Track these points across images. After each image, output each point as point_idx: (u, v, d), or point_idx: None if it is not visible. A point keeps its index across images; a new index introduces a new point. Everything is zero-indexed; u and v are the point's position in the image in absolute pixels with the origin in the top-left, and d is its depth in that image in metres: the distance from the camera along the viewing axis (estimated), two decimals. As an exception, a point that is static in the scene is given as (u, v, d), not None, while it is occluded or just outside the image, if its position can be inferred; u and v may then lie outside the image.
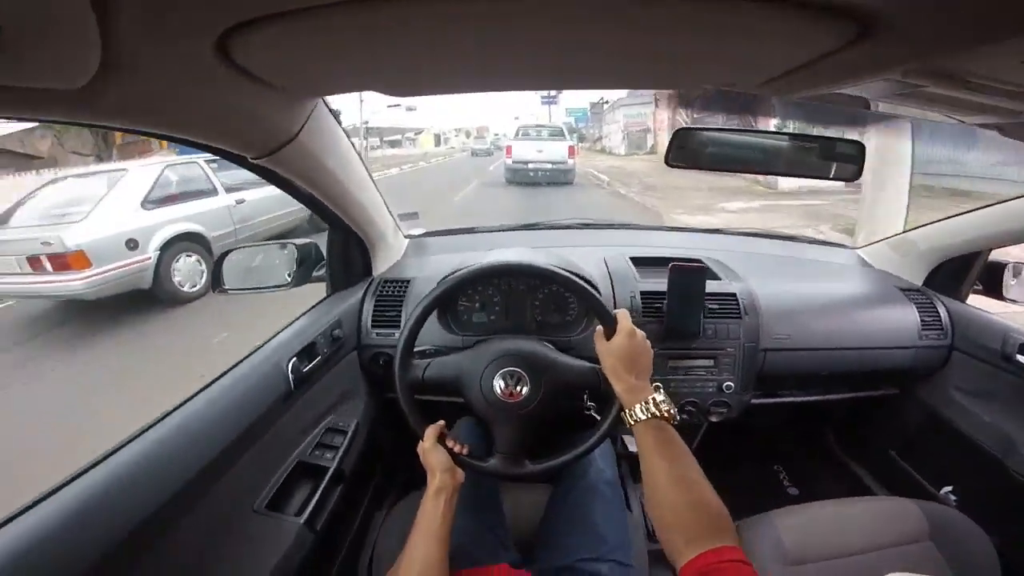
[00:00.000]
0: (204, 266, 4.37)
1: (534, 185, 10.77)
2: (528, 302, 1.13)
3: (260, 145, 0.68)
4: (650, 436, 0.69)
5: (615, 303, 1.14)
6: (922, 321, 1.21)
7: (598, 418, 0.86)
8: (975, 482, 1.17)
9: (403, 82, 0.60)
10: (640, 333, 0.78)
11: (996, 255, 1.24)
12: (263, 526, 0.80)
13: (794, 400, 1.29)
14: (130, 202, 4.01)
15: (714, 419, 1.13)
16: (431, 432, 0.81)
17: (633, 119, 23.74)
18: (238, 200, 4.88)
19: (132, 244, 3.89)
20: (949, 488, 1.22)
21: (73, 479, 0.59)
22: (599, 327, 0.81)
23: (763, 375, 1.16)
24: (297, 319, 1.06)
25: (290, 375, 0.89)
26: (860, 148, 0.89)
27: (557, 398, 0.85)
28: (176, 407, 0.74)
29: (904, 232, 1.39)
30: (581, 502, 0.91)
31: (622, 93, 22.32)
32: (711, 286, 1.13)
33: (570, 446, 0.85)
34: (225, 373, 0.84)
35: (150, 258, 3.99)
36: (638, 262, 1.25)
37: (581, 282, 0.85)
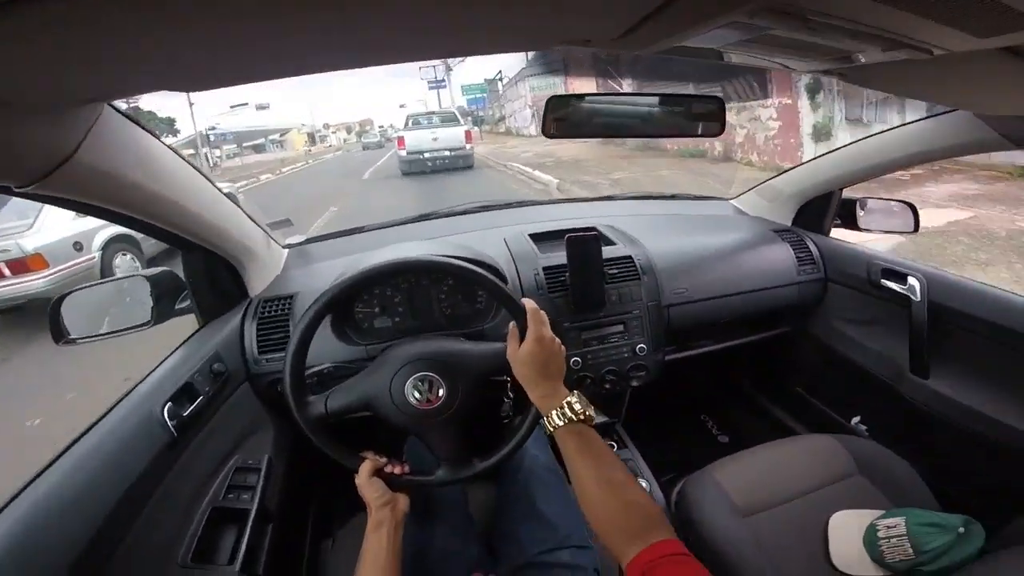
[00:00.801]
0: (138, 263, 5.00)
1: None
2: (434, 296, 1.07)
3: (19, 172, 0.54)
4: (571, 441, 0.69)
5: (520, 282, 1.11)
6: (797, 258, 1.32)
7: (507, 403, 0.84)
8: (879, 410, 1.29)
9: (197, 74, 0.51)
10: (549, 335, 0.76)
11: (847, 192, 1.37)
12: None
13: (705, 351, 1.36)
14: (64, 212, 4.14)
15: (635, 383, 1.15)
16: (365, 468, 0.78)
17: (543, 91, 19.77)
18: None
19: (78, 246, 4.41)
20: (858, 419, 1.34)
21: None
22: (512, 326, 0.78)
23: (671, 331, 1.21)
24: (164, 360, 0.92)
25: (168, 422, 0.78)
26: (720, 103, 0.92)
27: (476, 391, 0.81)
28: (33, 478, 0.63)
29: (768, 180, 1.50)
30: (524, 493, 0.90)
31: (521, 62, 20.80)
32: (607, 252, 1.15)
33: (505, 435, 0.82)
34: (87, 432, 0.72)
35: (95, 257, 4.55)
36: (537, 238, 1.24)
37: (482, 271, 0.80)
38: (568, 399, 0.71)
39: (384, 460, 0.80)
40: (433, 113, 12.76)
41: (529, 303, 0.78)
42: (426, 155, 10.61)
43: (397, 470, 0.79)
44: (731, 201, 1.63)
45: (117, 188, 0.68)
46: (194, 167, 0.87)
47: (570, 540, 0.83)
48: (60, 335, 0.93)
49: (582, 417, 0.70)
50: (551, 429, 0.71)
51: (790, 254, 1.33)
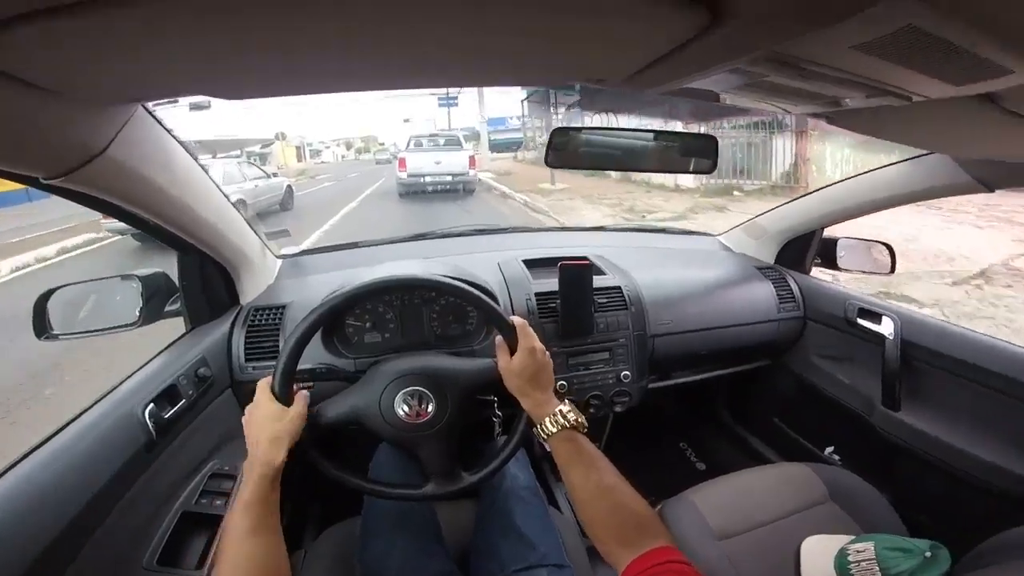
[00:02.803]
0: (241, 211, 6.50)
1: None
2: (426, 315, 1.08)
3: (51, 163, 0.55)
4: (564, 448, 0.71)
5: (512, 307, 1.13)
6: (778, 295, 1.37)
7: (496, 421, 0.85)
8: (851, 441, 1.32)
9: (231, 83, 0.53)
10: (539, 347, 0.78)
11: (828, 232, 1.43)
12: None
13: (686, 380, 1.39)
14: (219, 177, 5.86)
15: (618, 409, 1.17)
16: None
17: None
18: (254, 184, 8.79)
19: None
20: (831, 449, 1.38)
21: None
22: (499, 339, 0.79)
23: (655, 360, 1.23)
24: (150, 361, 0.91)
25: (149, 423, 0.77)
26: (713, 142, 0.97)
27: (465, 405, 0.81)
28: (6, 468, 0.62)
29: (754, 218, 1.56)
30: (504, 510, 0.89)
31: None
32: (598, 281, 1.18)
33: (493, 451, 0.83)
34: (65, 427, 0.71)
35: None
36: (530, 264, 1.27)
37: (473, 290, 0.82)
38: (560, 407, 0.73)
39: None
40: (438, 135, 12.58)
41: (518, 319, 0.79)
42: (427, 178, 10.33)
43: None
44: (718, 237, 1.68)
45: (137, 188, 0.70)
46: (206, 172, 0.88)
47: (548, 559, 0.83)
48: (43, 330, 0.91)
49: (575, 424, 0.72)
50: (544, 436, 0.72)
51: (771, 292, 1.38)
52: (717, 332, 1.30)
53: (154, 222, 0.80)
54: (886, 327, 1.16)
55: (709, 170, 1.00)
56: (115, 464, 0.71)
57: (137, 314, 0.95)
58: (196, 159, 0.83)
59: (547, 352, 0.79)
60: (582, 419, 0.73)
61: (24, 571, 0.55)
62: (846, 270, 1.41)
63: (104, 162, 0.59)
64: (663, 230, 1.83)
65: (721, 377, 1.45)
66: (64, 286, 0.94)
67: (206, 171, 0.88)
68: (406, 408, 0.77)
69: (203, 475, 0.88)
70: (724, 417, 1.82)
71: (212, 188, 0.91)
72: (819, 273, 1.48)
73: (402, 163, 10.72)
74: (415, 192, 10.55)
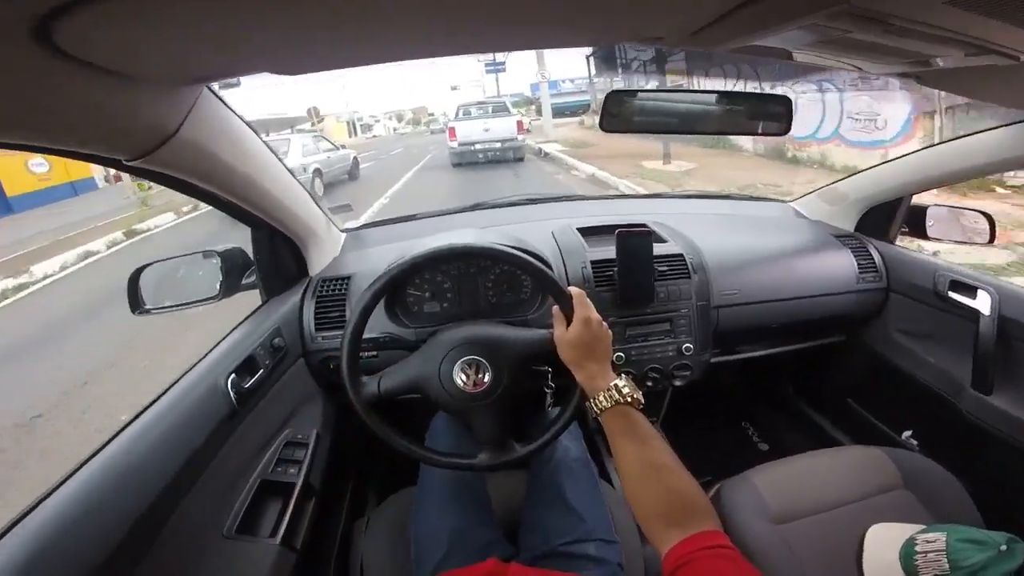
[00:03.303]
0: (320, 180, 9.12)
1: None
2: (481, 284, 1.10)
3: (130, 145, 0.59)
4: (617, 424, 0.69)
5: (567, 276, 1.12)
6: (858, 265, 1.26)
7: (548, 393, 0.85)
8: (932, 425, 1.23)
9: (292, 57, 0.53)
10: (596, 318, 0.76)
11: (916, 199, 1.30)
12: (238, 550, 0.76)
13: (751, 355, 1.33)
14: (297, 151, 8.73)
15: (678, 383, 1.14)
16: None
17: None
18: (326, 155, 9.95)
19: (301, 169, 8.27)
20: (909, 433, 1.28)
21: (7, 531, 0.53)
22: (555, 309, 0.79)
23: (719, 333, 1.18)
24: (230, 333, 0.97)
25: (231, 393, 0.83)
26: (788, 103, 0.90)
27: (521, 376, 0.82)
28: (106, 443, 0.67)
29: (832, 183, 1.44)
30: (553, 483, 0.90)
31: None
32: (658, 248, 1.13)
33: (545, 423, 0.84)
34: (156, 400, 0.77)
35: (309, 175, 8.57)
36: (585, 232, 1.24)
37: (529, 259, 0.81)
38: (616, 382, 0.71)
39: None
40: (485, 103, 12.41)
41: (575, 288, 0.78)
42: (477, 146, 10.43)
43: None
44: (791, 203, 1.57)
45: (210, 166, 0.74)
46: (272, 150, 0.92)
47: (596, 533, 0.83)
48: (137, 305, 1.00)
49: (629, 400, 0.70)
50: (598, 411, 0.71)
51: (851, 261, 1.27)
52: (788, 303, 1.22)
53: (227, 199, 0.85)
54: (982, 302, 1.05)
55: (780, 132, 0.93)
56: (202, 435, 0.76)
57: (218, 288, 1.02)
58: (261, 138, 0.87)
59: (604, 324, 0.77)
60: (638, 395, 0.71)
61: (119, 541, 0.58)
62: (936, 239, 1.28)
63: (178, 143, 0.62)
64: (728, 196, 1.73)
65: (789, 353, 1.37)
66: (153, 263, 1.02)
67: (273, 151, 0.92)
68: (464, 377, 0.79)
69: (279, 444, 0.93)
70: (791, 396, 1.73)
71: (278, 166, 0.95)
72: (903, 243, 1.35)
73: (452, 132, 10.72)
74: (468, 164, 10.60)
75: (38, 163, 13.02)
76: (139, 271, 1.01)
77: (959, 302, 1.10)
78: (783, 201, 1.61)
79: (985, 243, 1.23)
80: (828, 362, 1.53)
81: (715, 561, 0.51)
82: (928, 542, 0.81)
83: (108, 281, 5.54)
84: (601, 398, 0.70)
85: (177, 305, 1.04)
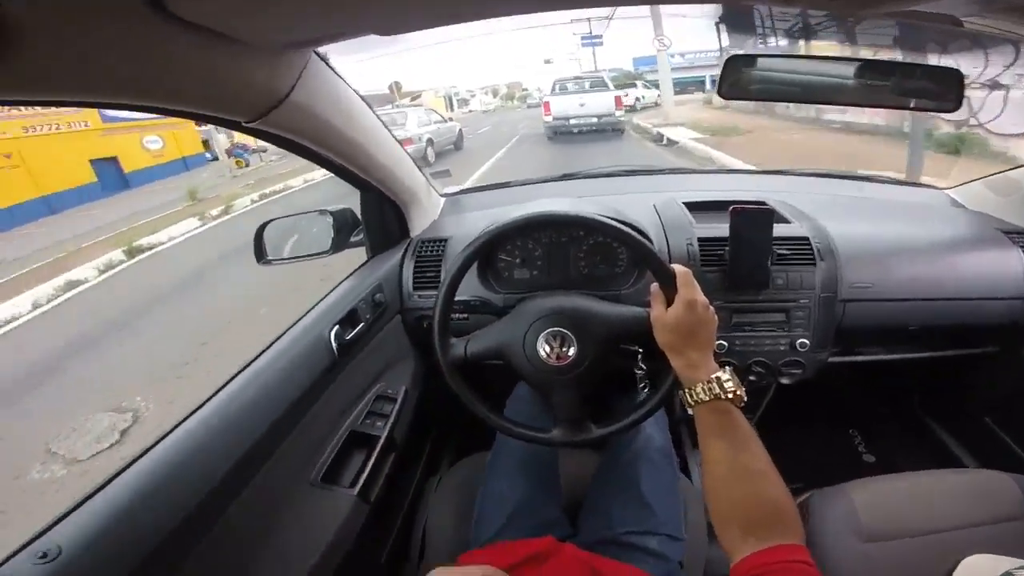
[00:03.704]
0: (432, 149, 10.41)
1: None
2: (572, 254, 1.06)
3: (246, 108, 0.63)
4: (713, 420, 0.63)
5: (669, 253, 1.03)
6: None
7: (640, 375, 0.80)
8: None
9: (395, 15, 0.53)
10: (702, 300, 0.69)
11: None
12: (319, 498, 0.80)
13: (877, 359, 1.17)
14: (414, 122, 10.11)
15: (785, 381, 1.03)
16: None
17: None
18: (436, 126, 11.10)
19: (416, 138, 9.64)
20: None
21: (135, 460, 0.60)
22: (655, 287, 0.73)
23: (842, 330, 1.05)
24: (337, 286, 1.04)
25: (334, 344, 0.87)
26: (957, 75, 0.76)
27: (608, 354, 0.79)
28: (222, 386, 0.74)
29: (1004, 171, 1.21)
30: (629, 470, 0.86)
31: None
32: (779, 230, 1.00)
33: (628, 406, 0.80)
34: (267, 348, 0.83)
35: (423, 144, 9.89)
36: (692, 207, 1.14)
37: (627, 230, 0.77)
38: (719, 374, 0.64)
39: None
40: (582, 78, 12.02)
41: (679, 267, 0.72)
42: (572, 121, 10.40)
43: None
44: (947, 191, 1.34)
45: (320, 129, 0.77)
46: (379, 117, 0.95)
47: (663, 528, 0.78)
48: (261, 255, 1.10)
49: (731, 396, 0.63)
50: (692, 404, 0.65)
51: (1020, 261, 1.06)
52: (933, 304, 1.05)
53: (338, 162, 0.89)
54: None
55: (949, 110, 0.79)
56: (305, 383, 0.80)
57: (329, 244, 1.10)
58: (368, 104, 0.89)
59: (710, 308, 0.70)
60: (741, 391, 0.64)
61: (217, 482, 0.63)
62: None
63: (290, 106, 0.66)
64: (868, 178, 1.50)
65: (922, 360, 1.18)
66: (276, 219, 1.11)
67: (379, 118, 0.95)
68: (547, 348, 0.77)
69: (370, 396, 0.97)
70: (914, 407, 1.53)
71: (384, 132, 0.98)
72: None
73: (546, 107, 10.84)
74: (564, 133, 10.64)
75: (152, 140, 14.44)
76: (264, 226, 1.10)
77: None
78: (937, 188, 1.39)
79: None
80: (971, 375, 1.32)
81: None
82: None
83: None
84: (699, 390, 0.64)
85: (295, 257, 1.12)
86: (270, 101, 0.64)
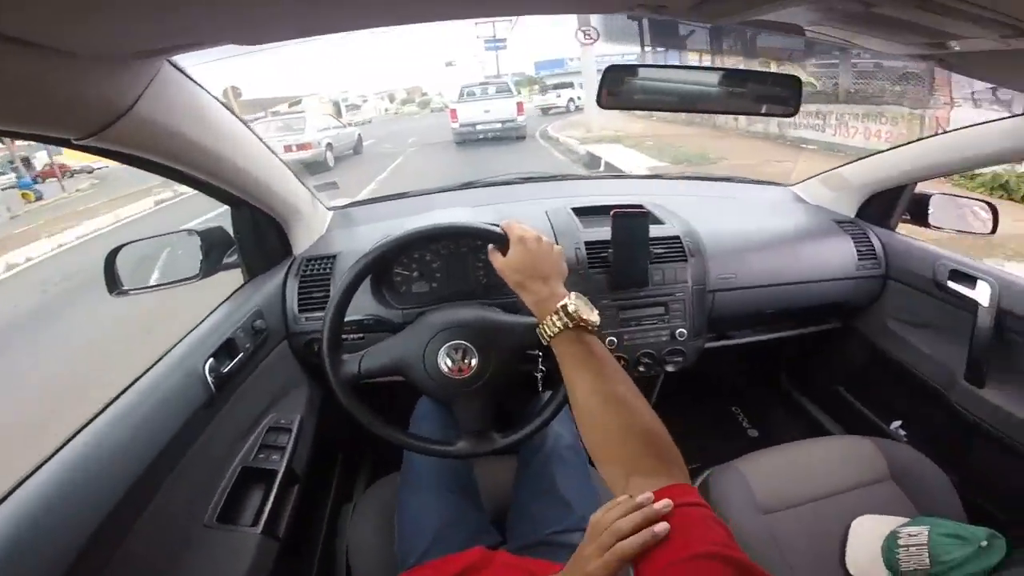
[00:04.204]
0: (331, 153, 10.25)
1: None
2: (471, 264, 1.07)
3: (77, 123, 0.55)
4: (570, 350, 0.63)
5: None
6: (857, 252, 1.25)
7: (539, 376, 0.82)
8: (922, 416, 1.22)
9: (258, 24, 0.49)
10: (532, 235, 0.72)
11: (920, 187, 1.27)
12: (218, 540, 0.74)
13: (745, 341, 1.32)
14: (313, 127, 10.12)
15: (670, 368, 1.12)
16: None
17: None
18: (336, 131, 11.04)
19: (316, 143, 9.73)
20: (898, 423, 1.28)
21: None
22: (490, 248, 0.76)
23: (713, 318, 1.16)
24: (210, 314, 0.94)
25: (209, 378, 0.79)
26: (796, 82, 0.87)
27: (509, 364, 0.80)
28: (78, 430, 0.65)
29: (836, 168, 1.41)
30: (544, 472, 0.88)
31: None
32: (654, 230, 1.11)
33: (533, 412, 0.82)
34: (130, 386, 0.74)
35: (323, 149, 9.92)
36: (580, 212, 1.21)
37: (457, 222, 0.79)
38: (566, 300, 0.64)
39: None
40: (487, 83, 12.41)
41: (505, 222, 0.75)
42: (478, 127, 10.72)
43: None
44: (792, 188, 1.54)
45: (173, 144, 0.70)
46: (248, 127, 0.87)
47: (584, 523, 0.80)
48: (114, 286, 0.96)
49: (581, 322, 0.63)
50: (548, 337, 0.65)
51: (850, 247, 1.25)
52: (785, 289, 1.20)
53: (198, 177, 0.80)
54: (981, 292, 1.03)
55: (790, 114, 0.90)
56: (178, 422, 0.73)
57: (198, 267, 0.99)
58: (234, 113, 0.82)
59: (543, 239, 0.72)
60: (594, 316, 0.64)
61: (93, 531, 0.56)
62: (938, 228, 1.25)
63: (134, 119, 0.58)
64: (728, 178, 1.70)
65: (783, 339, 1.35)
66: (129, 243, 0.98)
67: (248, 126, 0.88)
68: (449, 362, 0.77)
69: (261, 429, 0.91)
70: (783, 382, 1.73)
71: (255, 143, 0.90)
72: (904, 231, 1.33)
73: (453, 114, 11.07)
74: (472, 141, 10.84)
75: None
76: (115, 251, 0.97)
77: (958, 292, 1.08)
78: (784, 185, 1.59)
79: (988, 233, 1.20)
80: (821, 349, 1.53)
81: (692, 520, 0.45)
82: (911, 536, 0.82)
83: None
84: (551, 321, 0.63)
85: (159, 285, 1.01)
86: (108, 115, 0.56)
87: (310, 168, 8.91)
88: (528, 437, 0.81)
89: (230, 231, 1.05)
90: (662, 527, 0.44)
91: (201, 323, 0.91)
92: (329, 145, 10.21)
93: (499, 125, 10.66)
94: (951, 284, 1.10)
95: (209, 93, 0.74)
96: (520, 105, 11.03)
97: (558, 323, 0.63)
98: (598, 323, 0.65)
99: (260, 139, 0.92)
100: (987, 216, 1.20)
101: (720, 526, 0.44)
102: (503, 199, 1.38)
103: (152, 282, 1.00)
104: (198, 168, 0.79)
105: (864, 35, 0.57)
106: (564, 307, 0.63)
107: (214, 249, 1.02)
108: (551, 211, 1.21)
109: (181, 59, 0.64)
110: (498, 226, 0.77)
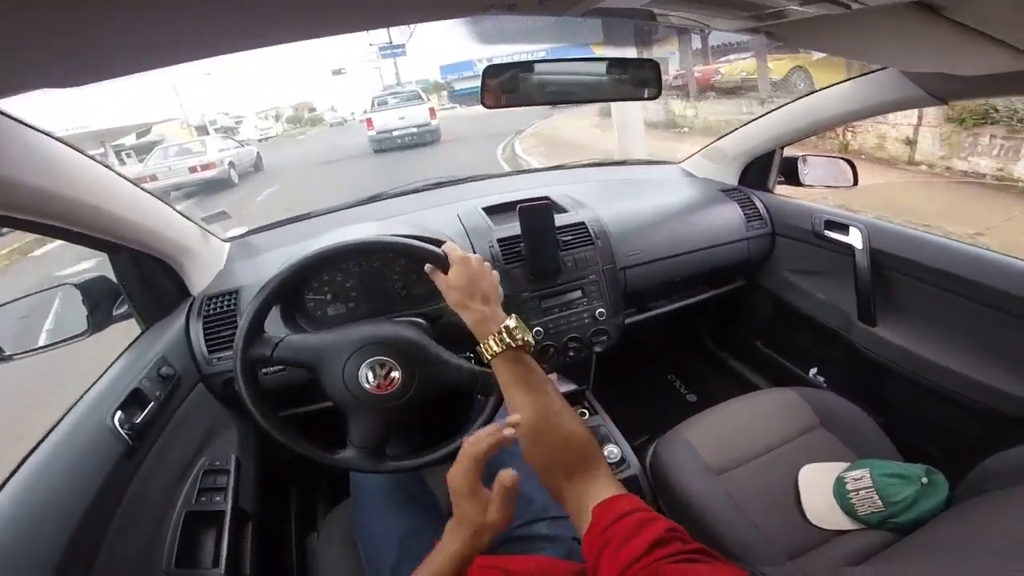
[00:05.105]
0: (235, 171, 10.70)
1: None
2: (388, 277, 1.05)
3: None
4: (510, 369, 0.66)
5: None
6: (745, 215, 1.36)
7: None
8: (833, 361, 1.33)
9: (81, 63, 0.45)
10: (475, 257, 0.75)
11: (788, 151, 1.40)
12: None
13: (663, 311, 1.39)
14: (213, 147, 10.65)
15: (598, 349, 1.16)
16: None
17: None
18: (236, 151, 11.47)
19: (219, 162, 10.21)
20: (815, 370, 1.39)
21: None
22: (428, 267, 0.78)
23: (629, 293, 1.23)
24: (109, 368, 0.88)
25: (121, 430, 0.75)
26: (655, 66, 0.93)
27: (432, 394, 0.80)
28: None
29: (713, 142, 1.52)
30: (498, 468, 0.89)
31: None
32: (560, 219, 1.16)
33: (448, 432, 0.82)
34: (35, 449, 0.69)
35: (226, 167, 10.39)
36: (491, 211, 1.24)
37: (397, 239, 0.80)
38: (506, 323, 0.68)
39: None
40: (397, 92, 12.92)
41: (447, 243, 0.77)
42: (395, 133, 10.90)
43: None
44: (680, 165, 1.65)
45: (16, 196, 0.64)
46: (106, 166, 0.82)
47: (546, 512, 0.82)
48: None
49: (520, 343, 0.67)
50: (488, 357, 0.68)
51: (738, 212, 1.36)
52: (687, 257, 1.29)
53: (59, 227, 0.75)
54: (854, 237, 1.15)
55: (652, 96, 0.96)
56: (99, 476, 0.69)
57: (86, 323, 0.92)
58: (85, 153, 0.77)
59: (486, 263, 0.76)
60: (529, 337, 0.68)
61: None
62: (809, 186, 1.39)
63: None
64: (623, 163, 1.80)
65: (698, 304, 1.44)
66: (2, 305, 0.90)
67: (110, 168, 0.82)
68: (371, 377, 0.77)
69: (196, 473, 0.87)
70: (708, 345, 1.83)
71: (118, 181, 0.85)
72: (783, 191, 1.46)
73: (369, 123, 11.31)
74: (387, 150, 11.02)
75: None
76: None
77: (834, 239, 1.20)
78: (672, 163, 1.69)
79: (850, 186, 1.34)
80: (736, 308, 1.64)
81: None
82: (856, 480, 0.86)
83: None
84: (491, 342, 0.67)
85: (44, 347, 0.92)
86: None
87: (217, 185, 10.07)
88: (443, 460, 0.78)
89: (114, 279, 0.98)
90: (509, 429, 0.54)
91: (100, 378, 0.85)
92: (231, 163, 10.71)
93: (415, 130, 10.95)
94: (828, 233, 1.22)
95: (51, 136, 0.69)
96: (432, 110, 11.48)
97: (500, 344, 0.66)
98: (534, 344, 0.69)
99: (128, 179, 0.87)
100: (848, 172, 1.33)
101: (657, 522, 0.49)
102: (414, 208, 1.38)
103: (41, 343, 0.91)
104: (57, 218, 0.73)
105: (702, 15, 0.62)
106: (506, 327, 0.67)
107: (101, 301, 0.95)
108: (462, 213, 1.22)
109: (6, 104, 0.58)
110: (435, 242, 0.79)
